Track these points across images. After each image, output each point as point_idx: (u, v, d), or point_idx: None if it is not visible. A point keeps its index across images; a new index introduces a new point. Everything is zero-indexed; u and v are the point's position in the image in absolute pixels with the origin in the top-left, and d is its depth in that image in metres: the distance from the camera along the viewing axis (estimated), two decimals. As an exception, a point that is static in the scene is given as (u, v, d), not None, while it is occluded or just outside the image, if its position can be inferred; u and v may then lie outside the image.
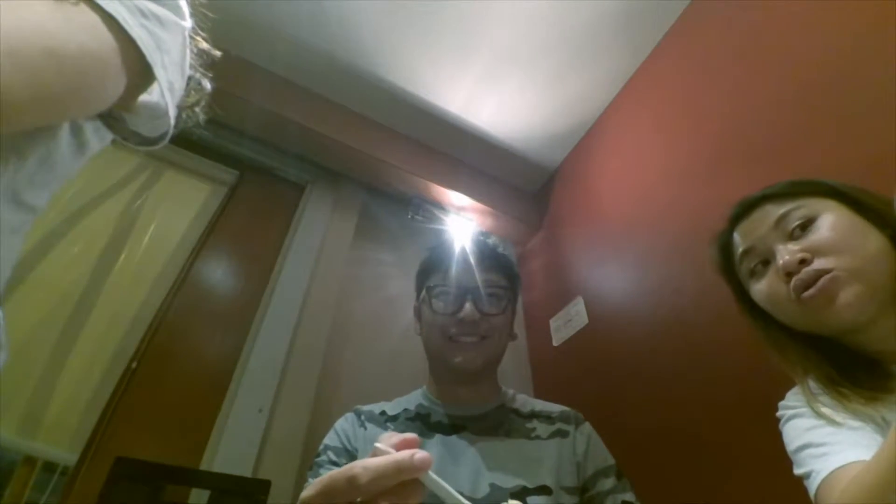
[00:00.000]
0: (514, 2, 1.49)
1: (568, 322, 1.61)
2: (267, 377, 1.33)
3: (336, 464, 0.65)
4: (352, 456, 0.67)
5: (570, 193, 1.94)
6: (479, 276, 0.75)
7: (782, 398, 0.58)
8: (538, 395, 1.69)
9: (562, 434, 0.71)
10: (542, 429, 0.72)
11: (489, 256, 0.79)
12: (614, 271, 1.48)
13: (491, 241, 0.84)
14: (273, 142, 1.80)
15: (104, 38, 0.32)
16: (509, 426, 0.72)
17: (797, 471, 0.50)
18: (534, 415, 0.75)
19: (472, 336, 0.72)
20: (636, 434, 1.13)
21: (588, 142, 1.90)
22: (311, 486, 0.29)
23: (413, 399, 0.78)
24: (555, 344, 1.64)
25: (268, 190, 1.79)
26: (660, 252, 1.29)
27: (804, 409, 0.52)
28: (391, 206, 1.99)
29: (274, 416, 1.27)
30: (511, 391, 0.81)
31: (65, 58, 0.28)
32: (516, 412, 0.75)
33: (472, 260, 0.77)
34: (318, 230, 1.72)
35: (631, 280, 1.38)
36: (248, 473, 1.14)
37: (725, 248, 0.63)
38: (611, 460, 0.71)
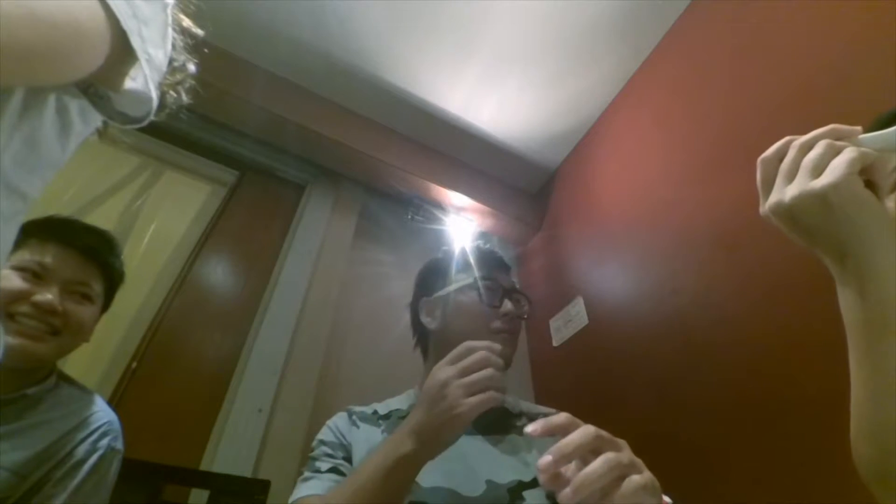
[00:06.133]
0: (514, 2, 1.49)
1: (568, 322, 1.61)
2: (267, 377, 1.32)
3: (332, 456, 0.66)
4: (346, 450, 0.68)
5: (569, 193, 1.94)
6: (511, 281, 0.84)
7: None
8: (538, 396, 1.70)
9: None
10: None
11: (509, 267, 0.88)
12: (614, 271, 1.48)
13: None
14: (273, 142, 1.80)
15: (82, 2, 0.32)
16: (502, 423, 0.74)
17: None
18: (522, 413, 0.78)
19: (510, 331, 0.76)
20: (636, 434, 1.12)
21: (588, 142, 1.90)
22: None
23: (405, 399, 0.80)
24: (555, 344, 1.64)
25: (268, 190, 1.79)
26: (660, 252, 1.29)
27: None
28: (391, 207, 1.99)
29: (274, 416, 1.27)
30: None
31: (38, 11, 0.28)
32: (506, 411, 0.78)
33: (502, 265, 0.86)
34: (318, 230, 1.72)
35: (631, 280, 1.38)
36: (247, 473, 1.14)
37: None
38: None
